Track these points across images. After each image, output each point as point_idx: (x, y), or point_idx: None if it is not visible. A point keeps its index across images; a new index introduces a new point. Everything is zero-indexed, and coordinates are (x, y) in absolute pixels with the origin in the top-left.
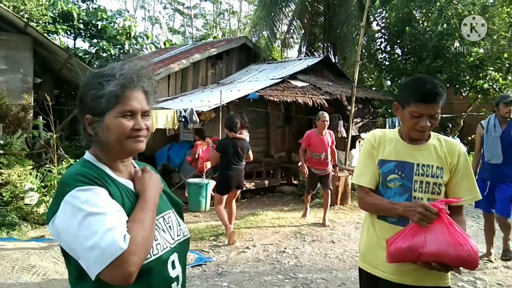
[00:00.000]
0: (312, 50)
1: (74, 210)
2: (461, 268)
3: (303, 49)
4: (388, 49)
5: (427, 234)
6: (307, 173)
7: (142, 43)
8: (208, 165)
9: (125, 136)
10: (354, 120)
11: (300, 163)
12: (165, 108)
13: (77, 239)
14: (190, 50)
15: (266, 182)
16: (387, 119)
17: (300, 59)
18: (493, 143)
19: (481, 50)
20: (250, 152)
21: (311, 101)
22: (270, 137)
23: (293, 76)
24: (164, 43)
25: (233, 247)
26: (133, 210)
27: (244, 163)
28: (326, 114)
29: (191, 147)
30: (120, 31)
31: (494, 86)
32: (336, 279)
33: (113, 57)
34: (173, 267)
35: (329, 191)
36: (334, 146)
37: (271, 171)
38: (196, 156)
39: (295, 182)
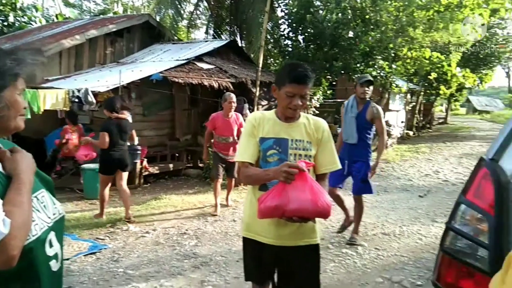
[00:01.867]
0: (219, 32)
1: None
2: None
3: (210, 31)
4: (291, 35)
5: (290, 192)
6: (211, 158)
7: (31, 15)
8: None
9: (19, 113)
10: (259, 103)
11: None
12: (55, 88)
13: None
14: (86, 25)
15: (171, 165)
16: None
17: (206, 41)
18: (349, 123)
19: (371, 39)
20: (134, 132)
21: (217, 83)
22: (175, 120)
23: (199, 58)
24: (56, 16)
25: (132, 232)
26: (8, 192)
27: (128, 144)
28: (232, 95)
29: (61, 130)
30: (3, 1)
31: (381, 74)
32: (235, 255)
33: None
34: (51, 245)
35: (234, 179)
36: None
37: (177, 155)
38: (64, 141)
39: (201, 165)
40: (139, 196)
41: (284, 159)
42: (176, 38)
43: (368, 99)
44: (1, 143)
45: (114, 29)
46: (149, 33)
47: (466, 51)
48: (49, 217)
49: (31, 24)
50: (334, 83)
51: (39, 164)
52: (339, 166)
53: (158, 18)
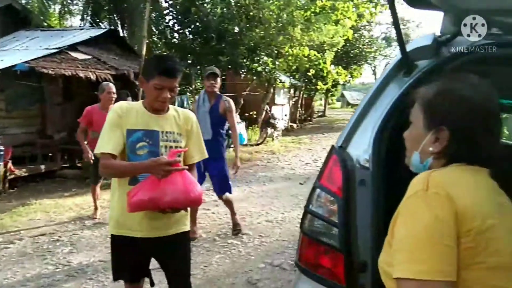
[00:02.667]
0: (98, 20)
1: None
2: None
3: (87, 19)
4: (177, 27)
5: (164, 185)
6: (92, 158)
7: None
8: None
9: None
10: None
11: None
12: None
13: None
14: None
15: (43, 166)
16: (176, 97)
17: (82, 29)
18: (203, 118)
19: (255, 35)
20: None
21: (95, 75)
22: (46, 116)
23: (73, 48)
24: None
25: None
26: None
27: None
28: (111, 85)
29: None
30: None
31: (266, 69)
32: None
33: None
34: None
35: None
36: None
37: (50, 154)
38: None
39: (79, 164)
40: (3, 204)
41: (155, 151)
42: (46, 24)
43: (218, 92)
44: None
45: None
46: (13, 18)
47: (339, 51)
48: None
49: None
50: (223, 77)
51: None
52: (207, 155)
53: (23, 2)
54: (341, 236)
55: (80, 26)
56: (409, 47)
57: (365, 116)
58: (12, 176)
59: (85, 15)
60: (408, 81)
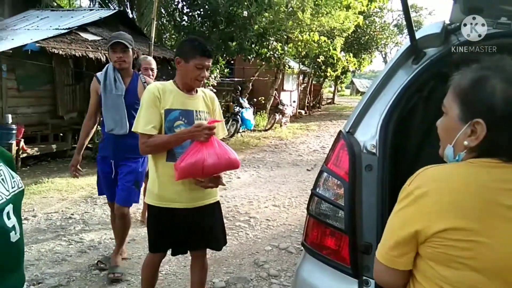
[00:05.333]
0: (107, 1)
1: None
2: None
3: None
4: (186, 10)
5: (206, 150)
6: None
7: None
8: None
9: None
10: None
11: None
12: None
13: None
14: None
15: (54, 146)
16: None
17: (91, 10)
18: (114, 104)
19: (265, 20)
20: None
21: (105, 57)
22: (57, 96)
23: (83, 28)
24: None
25: None
26: None
27: None
28: (150, 59)
29: None
30: None
31: (275, 55)
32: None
33: None
34: (8, 217)
35: None
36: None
37: (61, 134)
38: None
39: (89, 145)
40: None
41: None
42: (55, 4)
43: (135, 70)
44: None
45: None
46: None
47: (349, 37)
48: (7, 190)
49: None
50: (232, 61)
51: None
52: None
53: None
54: (347, 219)
55: (89, 7)
56: (418, 35)
57: (373, 102)
58: (25, 155)
59: None
60: (417, 68)
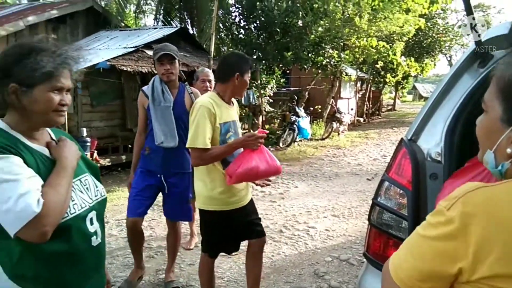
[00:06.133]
0: (169, 19)
1: None
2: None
3: (160, 18)
4: (243, 23)
5: (257, 157)
6: None
7: None
8: None
9: (51, 110)
10: None
11: None
12: None
13: None
14: (24, 11)
15: (124, 157)
16: None
17: (155, 28)
18: (164, 116)
19: (320, 29)
20: None
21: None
22: (126, 110)
23: (148, 46)
24: None
25: None
26: (50, 175)
27: None
28: (207, 71)
29: None
30: None
31: (331, 62)
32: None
33: None
34: (91, 223)
35: None
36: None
37: (129, 146)
38: None
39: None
40: None
41: (237, 138)
42: (123, 24)
43: (180, 81)
44: (54, 131)
45: (56, 15)
46: (94, 20)
47: (410, 40)
48: (91, 198)
49: None
50: (288, 71)
51: None
52: None
53: (103, 4)
54: (410, 230)
55: (153, 26)
56: (484, 37)
57: (437, 108)
58: (98, 165)
59: (158, 15)
60: (483, 72)
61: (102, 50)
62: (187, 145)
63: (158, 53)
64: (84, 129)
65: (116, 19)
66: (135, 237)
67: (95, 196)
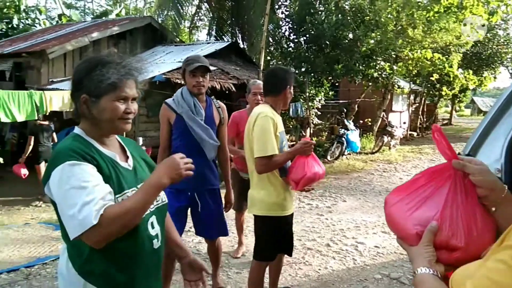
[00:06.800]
0: (221, 34)
1: (61, 182)
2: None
3: (212, 33)
4: (292, 37)
5: (311, 162)
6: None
7: (34, 17)
8: None
9: (117, 118)
10: None
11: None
12: (61, 89)
13: (62, 206)
14: (89, 27)
15: None
16: (291, 104)
17: (208, 43)
18: (204, 128)
19: (372, 41)
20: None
21: (219, 85)
22: None
23: None
24: (59, 17)
25: None
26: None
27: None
28: (259, 83)
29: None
30: (7, 4)
31: (383, 75)
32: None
33: (1, 31)
34: (152, 227)
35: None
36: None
37: None
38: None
39: None
40: None
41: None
42: (178, 40)
43: (207, 95)
44: (121, 139)
45: (117, 31)
46: (152, 35)
47: (468, 52)
48: (152, 203)
49: (35, 26)
50: (337, 84)
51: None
52: None
53: (160, 20)
54: None
55: (206, 40)
56: None
57: (496, 123)
58: None
59: (210, 30)
60: None
61: (158, 64)
62: (256, 155)
63: (193, 64)
64: (140, 138)
65: (171, 34)
66: (167, 266)
67: (156, 201)
